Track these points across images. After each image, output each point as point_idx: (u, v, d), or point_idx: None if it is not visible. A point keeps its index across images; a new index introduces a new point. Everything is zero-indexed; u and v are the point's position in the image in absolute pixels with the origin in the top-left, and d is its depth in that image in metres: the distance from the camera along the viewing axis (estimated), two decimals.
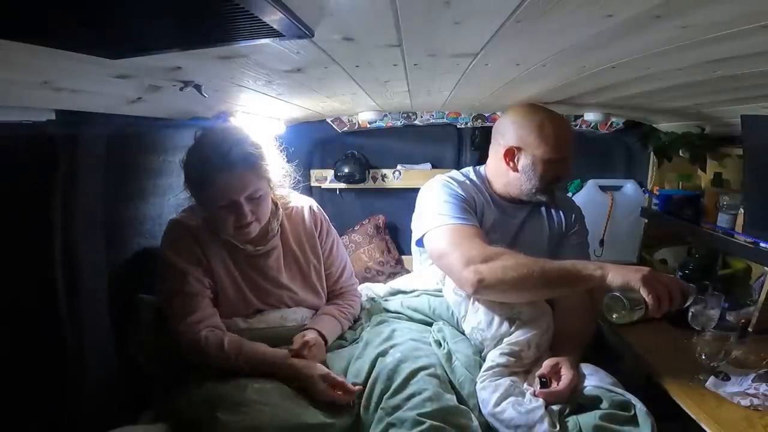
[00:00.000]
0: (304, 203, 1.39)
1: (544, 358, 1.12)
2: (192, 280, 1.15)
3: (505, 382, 1.05)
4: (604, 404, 1.00)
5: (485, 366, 1.11)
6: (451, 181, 1.34)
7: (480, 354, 1.17)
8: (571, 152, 1.31)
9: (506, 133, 1.32)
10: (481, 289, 1.11)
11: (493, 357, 1.12)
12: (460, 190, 1.31)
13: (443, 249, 1.19)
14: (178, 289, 1.13)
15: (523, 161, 1.29)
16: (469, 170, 1.44)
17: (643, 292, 1.01)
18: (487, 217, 1.33)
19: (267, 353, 1.12)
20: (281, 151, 1.29)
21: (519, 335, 1.14)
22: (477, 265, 1.11)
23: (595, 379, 1.07)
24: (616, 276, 1.04)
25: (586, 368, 1.13)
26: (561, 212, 1.43)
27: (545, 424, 0.95)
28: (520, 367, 1.13)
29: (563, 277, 1.09)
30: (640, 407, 0.97)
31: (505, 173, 1.34)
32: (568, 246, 1.40)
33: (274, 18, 0.57)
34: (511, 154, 1.31)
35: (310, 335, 1.19)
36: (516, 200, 1.37)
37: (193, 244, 1.18)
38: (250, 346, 1.12)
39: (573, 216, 1.44)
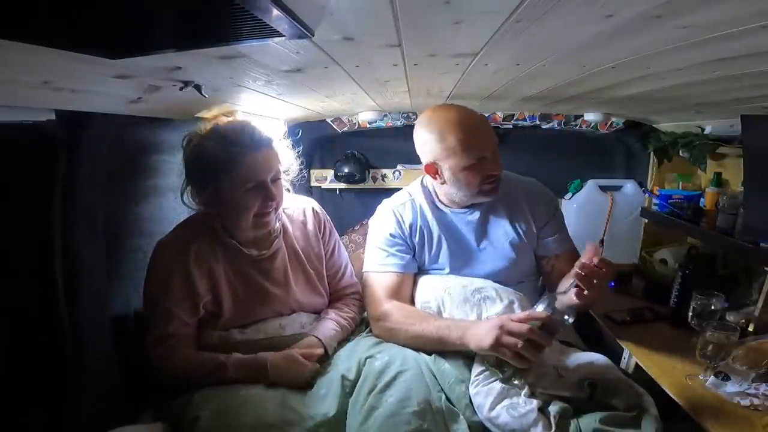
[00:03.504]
0: (306, 204, 1.38)
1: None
2: (175, 322, 1.12)
3: (497, 384, 1.05)
4: (617, 401, 0.99)
5: (476, 370, 1.10)
6: (389, 215, 1.36)
7: (470, 356, 1.15)
8: (490, 146, 1.24)
9: (420, 149, 1.30)
10: (386, 341, 1.21)
11: (483, 359, 1.11)
12: (395, 225, 1.34)
13: (365, 294, 1.35)
14: (160, 332, 1.11)
15: (445, 174, 1.27)
16: (417, 184, 1.43)
17: (500, 356, 1.05)
18: (433, 233, 1.34)
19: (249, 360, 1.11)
20: (290, 146, 1.29)
21: None
22: (374, 322, 1.27)
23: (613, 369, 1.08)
24: (471, 343, 1.09)
25: (598, 358, 1.12)
26: (525, 204, 1.36)
27: (539, 427, 0.95)
28: (510, 366, 1.11)
29: (434, 343, 1.15)
30: (652, 410, 0.96)
31: (440, 186, 1.33)
32: (547, 242, 1.35)
33: (274, 18, 0.57)
34: (432, 170, 1.29)
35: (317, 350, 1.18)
36: (466, 205, 1.34)
37: (182, 272, 1.14)
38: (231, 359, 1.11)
39: (542, 204, 1.37)
